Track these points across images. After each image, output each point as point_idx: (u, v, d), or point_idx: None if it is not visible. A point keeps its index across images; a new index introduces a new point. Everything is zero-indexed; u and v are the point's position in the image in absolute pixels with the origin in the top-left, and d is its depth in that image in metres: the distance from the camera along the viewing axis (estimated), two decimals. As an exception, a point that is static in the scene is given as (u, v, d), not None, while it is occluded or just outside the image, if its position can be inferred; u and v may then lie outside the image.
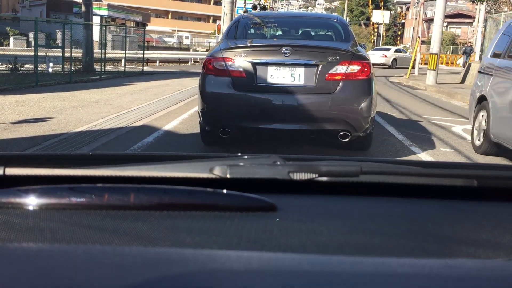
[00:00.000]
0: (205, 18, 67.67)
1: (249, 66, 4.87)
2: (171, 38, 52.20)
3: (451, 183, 1.07)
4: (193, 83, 14.79)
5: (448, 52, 47.44)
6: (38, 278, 0.60)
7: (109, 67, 19.88)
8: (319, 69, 4.87)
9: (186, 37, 53.85)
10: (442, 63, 40.40)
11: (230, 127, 4.95)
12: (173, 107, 9.33)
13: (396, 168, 1.12)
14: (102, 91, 11.60)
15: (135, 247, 0.74)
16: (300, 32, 6.42)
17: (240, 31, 5.82)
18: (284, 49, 4.89)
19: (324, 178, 1.01)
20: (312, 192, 1.03)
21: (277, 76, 4.91)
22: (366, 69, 4.94)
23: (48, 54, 15.45)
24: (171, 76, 18.02)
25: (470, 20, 51.87)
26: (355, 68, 4.90)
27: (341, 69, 4.87)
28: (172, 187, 0.94)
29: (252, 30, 6.05)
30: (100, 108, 8.81)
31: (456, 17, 53.21)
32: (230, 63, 4.88)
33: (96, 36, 22.30)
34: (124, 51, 27.22)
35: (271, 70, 4.91)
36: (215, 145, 5.61)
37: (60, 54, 14.93)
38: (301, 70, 4.90)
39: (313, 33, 6.35)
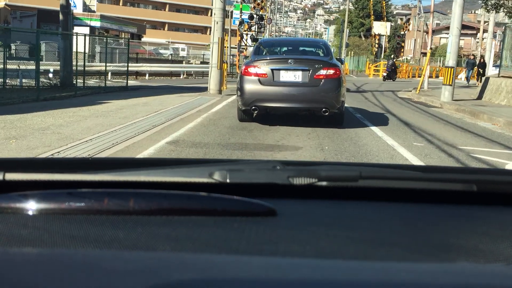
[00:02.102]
0: (202, 30, 66.08)
1: (269, 70, 8.18)
2: (167, 50, 50.28)
3: (450, 187, 1.06)
4: (178, 101, 12.64)
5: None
6: (38, 283, 0.60)
7: (92, 81, 17.93)
8: (310, 72, 8.12)
9: (183, 49, 52.06)
10: (440, 75, 38.43)
11: (257, 106, 8.19)
12: (140, 137, 7.24)
13: (395, 173, 1.13)
14: (62, 113, 9.55)
15: (134, 252, 0.73)
16: (299, 50, 9.69)
17: (261, 50, 9.20)
18: (289, 61, 8.25)
19: (324, 183, 1.02)
20: (311, 197, 1.03)
21: (286, 76, 8.18)
22: (337, 72, 8.21)
23: (20, 66, 13.47)
24: (157, 91, 16.02)
25: (474, 32, 50.10)
26: (331, 71, 8.15)
27: (323, 72, 8.12)
28: (172, 192, 0.93)
29: (269, 49, 9.43)
30: (42, 139, 6.72)
31: (458, 28, 51.41)
32: (257, 68, 8.22)
33: (82, 47, 20.46)
34: (110, 64, 25.27)
35: (282, 72, 8.18)
36: (246, 121, 8.73)
37: (38, 67, 12.85)
38: (299, 73, 8.16)
39: (307, 51, 9.73)
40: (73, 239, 0.76)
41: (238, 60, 30.06)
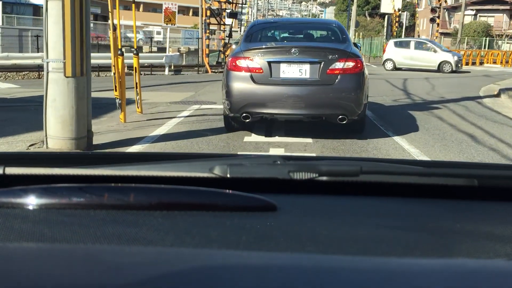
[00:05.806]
0: (184, 11, 57.30)
1: (265, 63, 5.95)
2: (138, 34, 40.31)
3: (451, 182, 1.05)
4: None
5: (481, 47, 35.77)
6: (38, 278, 0.61)
7: None
8: (322, 65, 5.92)
9: (158, 32, 42.42)
10: (486, 62, 28.95)
11: (250, 112, 6.00)
12: None
13: (396, 167, 1.11)
14: None
15: (135, 247, 0.73)
16: (305, 34, 7.37)
17: (255, 35, 6.75)
18: (293, 50, 5.97)
19: (324, 178, 1.01)
20: (312, 191, 1.03)
21: (288, 71, 5.98)
22: (359, 65, 5.98)
23: None
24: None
25: (506, 7, 40.38)
26: (350, 64, 5.93)
27: (339, 65, 5.92)
28: (172, 186, 0.93)
29: (265, 34, 7.02)
30: None
31: (487, 3, 41.70)
32: (249, 61, 5.96)
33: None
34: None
35: (283, 66, 5.98)
36: (236, 130, 6.53)
37: None
38: (307, 66, 5.96)
39: (316, 36, 7.59)
40: (73, 233, 0.76)
41: (207, 45, 20.53)
